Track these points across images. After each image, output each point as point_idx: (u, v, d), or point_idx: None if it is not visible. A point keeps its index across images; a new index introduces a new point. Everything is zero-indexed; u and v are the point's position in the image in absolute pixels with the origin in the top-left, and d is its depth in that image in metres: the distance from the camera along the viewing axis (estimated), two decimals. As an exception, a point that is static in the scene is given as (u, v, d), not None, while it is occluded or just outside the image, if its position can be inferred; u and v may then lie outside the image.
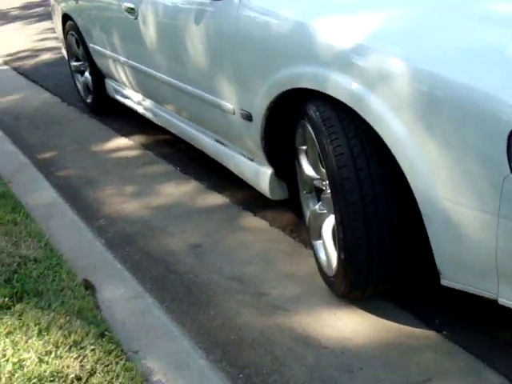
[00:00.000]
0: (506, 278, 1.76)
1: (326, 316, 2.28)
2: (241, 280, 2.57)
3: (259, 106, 2.41)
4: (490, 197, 1.66)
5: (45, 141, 4.49)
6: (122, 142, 4.23)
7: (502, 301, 1.83)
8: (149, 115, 3.80)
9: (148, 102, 3.75)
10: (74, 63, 4.86)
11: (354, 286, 2.13)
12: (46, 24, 6.80)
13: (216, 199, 3.26)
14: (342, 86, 1.95)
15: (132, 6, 3.34)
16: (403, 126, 1.79)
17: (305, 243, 2.72)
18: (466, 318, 2.18)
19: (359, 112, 1.91)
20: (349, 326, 2.22)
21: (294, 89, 2.19)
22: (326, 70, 2.01)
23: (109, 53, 3.94)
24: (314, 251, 2.44)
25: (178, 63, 3.01)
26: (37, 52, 7.05)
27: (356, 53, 1.92)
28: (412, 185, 1.83)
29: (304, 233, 2.74)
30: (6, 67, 6.75)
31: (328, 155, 2.00)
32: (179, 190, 3.43)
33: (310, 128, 2.15)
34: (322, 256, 2.35)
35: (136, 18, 3.31)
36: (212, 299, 2.47)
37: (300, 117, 2.26)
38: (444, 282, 1.96)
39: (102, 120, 4.68)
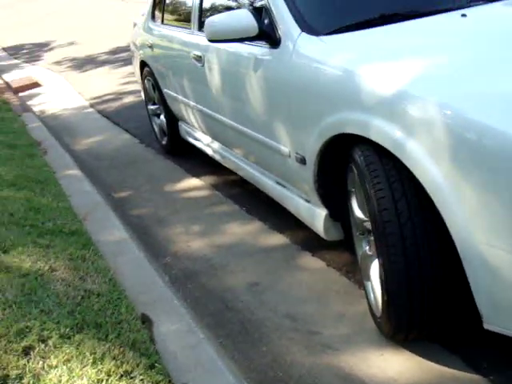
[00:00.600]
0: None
1: (373, 356, 2.31)
2: (294, 318, 2.63)
3: (312, 150, 2.50)
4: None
5: (121, 180, 4.72)
6: (192, 182, 4.40)
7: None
8: (217, 157, 3.95)
9: (216, 145, 3.91)
10: (151, 107, 5.11)
11: (397, 328, 2.16)
12: (130, 68, 7.14)
13: (277, 239, 3.35)
14: (384, 132, 2.02)
15: (199, 53, 3.52)
16: (443, 173, 1.84)
17: (359, 284, 2.76)
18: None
19: (400, 158, 1.96)
20: (394, 367, 2.24)
21: (342, 134, 2.28)
22: (369, 116, 2.09)
23: (180, 97, 4.14)
24: (366, 292, 2.48)
25: (240, 108, 3.15)
26: (120, 95, 7.41)
27: (399, 100, 1.98)
28: (450, 229, 1.86)
29: (358, 273, 2.78)
30: (91, 110, 7.12)
31: (370, 198, 2.06)
32: (243, 229, 3.54)
33: (355, 171, 2.22)
34: (371, 297, 2.39)
35: (203, 66, 3.48)
36: (265, 336, 2.55)
37: (349, 161, 2.33)
38: (486, 325, 1.97)
39: (176, 161, 4.87)
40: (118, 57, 10.03)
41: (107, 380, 1.96)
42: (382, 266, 2.07)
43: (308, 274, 2.96)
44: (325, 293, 2.77)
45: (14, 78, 9.83)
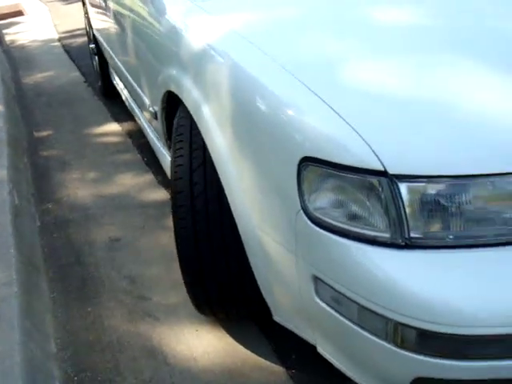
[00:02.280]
0: (316, 324, 1.58)
1: (187, 332, 2.18)
2: (133, 281, 2.50)
3: (158, 106, 2.33)
4: (288, 233, 1.49)
5: (49, 119, 4.56)
6: (112, 127, 4.23)
7: (319, 349, 1.64)
8: (126, 104, 3.77)
9: (126, 91, 3.73)
10: (91, 45, 4.90)
11: (196, 301, 1.99)
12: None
13: (161, 195, 3.19)
14: (189, 92, 1.84)
15: (104, -8, 3.33)
16: (228, 144, 1.66)
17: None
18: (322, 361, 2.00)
19: (196, 121, 1.79)
20: (203, 346, 2.11)
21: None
22: (183, 74, 1.91)
23: (100, 38, 3.95)
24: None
25: (126, 53, 2.96)
26: (90, 31, 7.20)
27: (202, 58, 1.79)
28: (232, 208, 1.70)
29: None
30: (57, 44, 6.92)
31: (171, 165, 1.89)
32: (133, 181, 3.39)
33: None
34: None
35: (106, 5, 3.28)
36: (97, 296, 2.43)
37: (181, 121, 2.16)
38: (275, 317, 1.81)
39: (107, 103, 4.70)
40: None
41: None
42: (175, 240, 1.91)
43: (171, 235, 2.81)
44: (176, 257, 2.63)
45: (3, 4, 9.61)
